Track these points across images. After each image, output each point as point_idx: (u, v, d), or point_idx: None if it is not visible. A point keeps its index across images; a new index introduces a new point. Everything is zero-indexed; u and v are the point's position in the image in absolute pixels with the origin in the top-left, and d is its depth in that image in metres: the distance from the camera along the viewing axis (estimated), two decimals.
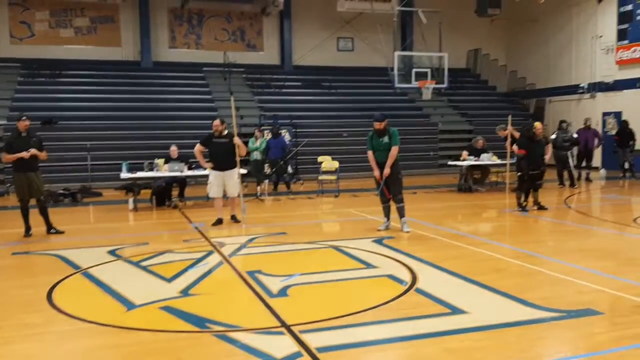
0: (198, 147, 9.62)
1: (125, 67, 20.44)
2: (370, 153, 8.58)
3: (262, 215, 10.86)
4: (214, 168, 9.46)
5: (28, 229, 8.75)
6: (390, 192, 8.55)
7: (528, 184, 10.53)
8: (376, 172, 8.53)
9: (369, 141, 8.62)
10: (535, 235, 8.84)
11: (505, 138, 12.36)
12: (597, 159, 19.28)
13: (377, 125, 8.46)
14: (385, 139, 8.42)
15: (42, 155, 8.63)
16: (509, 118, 12.25)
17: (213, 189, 9.50)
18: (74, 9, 20.23)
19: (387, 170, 8.39)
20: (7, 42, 19.50)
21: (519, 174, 10.42)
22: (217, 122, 9.44)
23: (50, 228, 8.83)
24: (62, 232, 8.83)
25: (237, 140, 9.30)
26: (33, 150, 8.45)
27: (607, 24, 19.76)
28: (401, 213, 8.60)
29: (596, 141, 15.78)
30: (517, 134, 12.02)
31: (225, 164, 9.34)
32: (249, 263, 6.79)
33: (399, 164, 8.59)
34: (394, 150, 8.38)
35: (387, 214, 8.79)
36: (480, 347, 4.02)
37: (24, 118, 8.60)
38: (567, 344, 4.20)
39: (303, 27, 22.61)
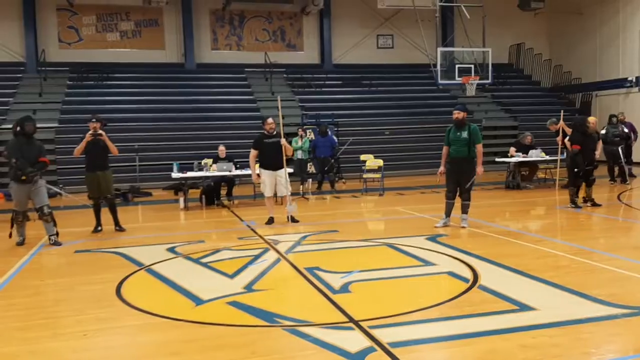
0: (253, 153, 9.57)
1: (170, 69, 20.84)
2: (445, 148, 8.64)
3: (309, 213, 10.91)
4: (266, 168, 9.48)
5: (98, 225, 9.17)
6: (462, 188, 8.56)
7: (581, 179, 10.33)
8: (441, 168, 8.68)
9: (446, 135, 8.67)
10: (591, 232, 8.67)
11: (557, 133, 12.16)
12: None
13: (456, 114, 8.51)
14: (464, 133, 8.43)
15: (111, 147, 8.98)
16: (561, 113, 12.06)
17: (267, 189, 9.48)
18: (119, 13, 20.73)
19: (479, 169, 8.47)
20: (56, 47, 20.12)
21: (575, 169, 10.20)
22: (270, 119, 9.54)
23: (116, 225, 9.20)
24: (124, 230, 9.14)
25: (283, 141, 9.40)
26: (102, 133, 8.83)
27: None
28: (465, 210, 8.68)
29: (632, 135, 15.31)
30: (568, 129, 11.81)
31: (278, 163, 9.44)
32: (306, 260, 6.85)
33: (475, 162, 8.59)
34: (480, 147, 8.47)
35: (448, 211, 8.79)
36: (555, 344, 3.98)
37: (93, 120, 8.99)
38: None
39: (342, 25, 22.65)
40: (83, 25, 20.49)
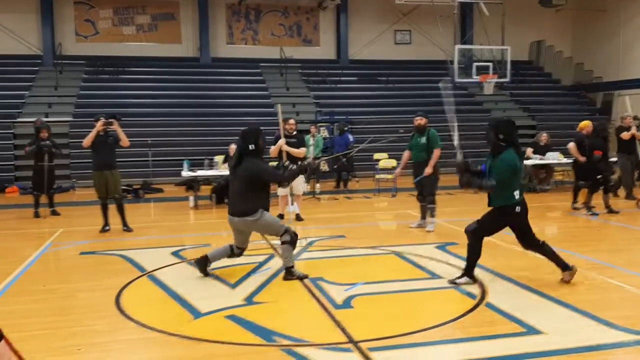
0: (273, 149, 9.33)
1: (185, 63, 20.80)
2: (407, 152, 8.93)
3: (319, 216, 10.79)
4: None
5: (105, 224, 9.10)
6: (424, 191, 8.71)
7: (598, 186, 10.10)
8: (397, 170, 9.34)
9: (410, 140, 8.91)
10: (608, 243, 8.39)
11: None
12: None
13: (418, 120, 8.75)
14: (423, 139, 8.66)
15: (123, 137, 8.90)
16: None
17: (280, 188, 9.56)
18: (135, 6, 20.72)
19: (428, 169, 8.52)
20: (73, 40, 20.18)
21: (598, 176, 9.98)
22: (292, 120, 9.80)
23: (124, 225, 9.15)
24: (131, 230, 9.07)
25: (285, 147, 9.09)
26: (112, 122, 8.74)
27: None
28: (431, 213, 8.78)
29: None
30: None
31: (293, 162, 9.30)
32: (311, 269, 6.70)
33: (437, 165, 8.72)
34: (437, 152, 8.60)
35: (423, 213, 9.01)
36: None
37: (102, 118, 8.88)
38: None
39: (360, 20, 22.40)
40: (100, 19, 20.52)
